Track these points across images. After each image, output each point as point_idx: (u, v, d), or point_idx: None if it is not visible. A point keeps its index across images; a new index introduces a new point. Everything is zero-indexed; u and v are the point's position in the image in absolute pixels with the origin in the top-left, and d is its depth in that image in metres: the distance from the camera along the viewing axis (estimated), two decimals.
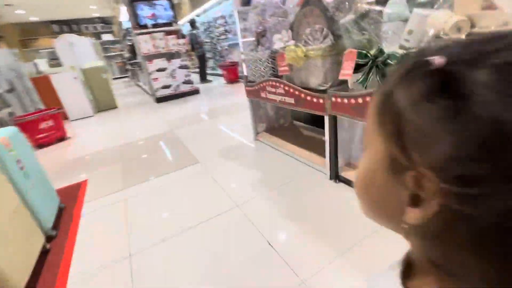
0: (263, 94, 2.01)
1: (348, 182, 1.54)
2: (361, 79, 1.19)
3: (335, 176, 1.60)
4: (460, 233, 0.17)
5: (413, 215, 0.19)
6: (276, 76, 1.88)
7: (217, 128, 3.10)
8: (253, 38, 2.07)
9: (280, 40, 1.67)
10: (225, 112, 3.71)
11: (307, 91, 1.55)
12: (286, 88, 1.71)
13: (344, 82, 1.36)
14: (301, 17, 1.54)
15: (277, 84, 1.78)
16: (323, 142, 1.60)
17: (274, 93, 1.86)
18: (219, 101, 4.52)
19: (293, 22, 1.63)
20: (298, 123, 2.61)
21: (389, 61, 1.05)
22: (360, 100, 1.22)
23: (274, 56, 1.86)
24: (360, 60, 1.17)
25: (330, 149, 1.56)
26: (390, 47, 1.11)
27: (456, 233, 0.17)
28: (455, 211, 0.16)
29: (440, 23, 0.87)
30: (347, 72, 1.24)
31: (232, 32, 6.59)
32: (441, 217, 0.17)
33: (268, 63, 1.89)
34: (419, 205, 0.18)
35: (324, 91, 1.46)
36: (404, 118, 0.18)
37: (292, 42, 1.58)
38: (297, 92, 1.63)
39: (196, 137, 2.81)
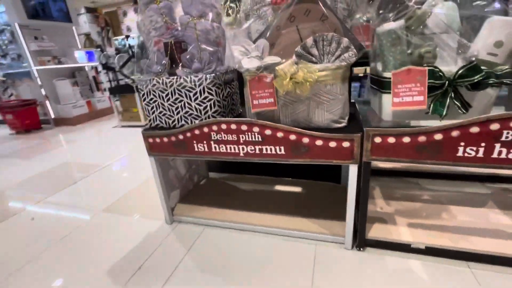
0: (199, 147, 1.16)
1: (378, 245, 1.13)
2: (433, 107, 0.84)
3: (363, 242, 1.14)
4: None
5: None
6: (235, 113, 1.14)
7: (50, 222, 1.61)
8: (154, 54, 1.17)
9: (245, 55, 0.98)
10: (48, 185, 2.08)
11: (321, 133, 0.99)
12: (269, 131, 1.03)
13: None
14: (285, 21, 0.97)
15: (248, 127, 1.05)
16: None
17: (235, 143, 1.10)
18: (19, 168, 2.58)
19: (268, 28, 1.01)
20: (219, 175, 1.87)
21: (489, 81, 0.77)
22: (437, 136, 0.86)
23: (229, 82, 1.12)
24: (432, 81, 0.82)
25: (360, 209, 1.08)
26: (446, 64, 0.85)
27: None
28: None
29: None
30: (416, 99, 0.84)
31: (10, 55, 4.24)
32: None
33: (212, 93, 1.10)
34: None
35: (344, 130, 0.97)
36: None
37: (275, 59, 0.96)
38: (296, 137, 1.01)
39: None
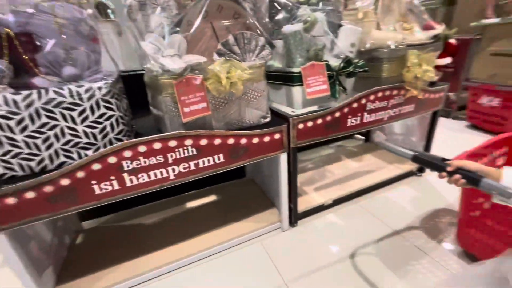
0: (103, 187, 0.81)
1: (307, 214, 1.33)
2: (331, 93, 1.07)
3: (296, 218, 1.28)
4: None
5: None
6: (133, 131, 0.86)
7: None
8: None
9: (158, 54, 0.77)
10: None
11: (257, 131, 0.97)
12: (204, 141, 0.89)
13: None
14: (197, 16, 0.84)
15: (179, 141, 0.84)
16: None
17: (162, 165, 0.86)
18: None
19: (180, 23, 0.83)
20: (97, 221, 1.36)
21: (354, 70, 1.08)
22: (337, 114, 1.11)
23: (122, 91, 0.82)
24: (328, 72, 1.04)
25: (292, 190, 1.19)
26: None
27: None
28: None
29: (392, 38, 1.12)
30: (322, 87, 1.03)
31: None
32: None
33: (112, 108, 0.77)
34: None
35: (271, 124, 1.04)
36: None
37: (199, 57, 0.82)
38: (234, 140, 0.94)
39: None
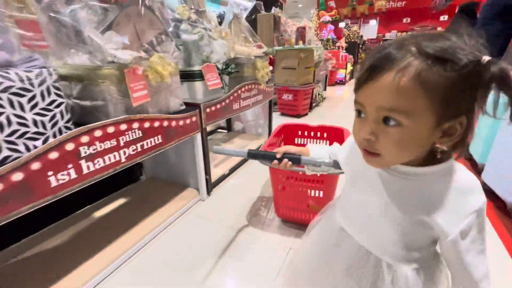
0: (60, 178, 0.78)
1: (215, 184, 1.66)
2: (222, 85, 1.49)
3: (211, 188, 1.58)
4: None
5: (447, 140, 0.39)
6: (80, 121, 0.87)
7: None
8: None
9: (116, 46, 0.85)
10: None
11: (183, 114, 1.21)
12: (147, 123, 1.03)
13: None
14: (123, 18, 0.97)
15: (128, 125, 0.93)
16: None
17: (116, 149, 0.92)
18: None
19: (112, 21, 0.91)
20: None
21: (232, 70, 1.57)
22: (227, 101, 1.54)
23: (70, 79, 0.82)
24: (218, 71, 1.46)
25: (206, 164, 1.48)
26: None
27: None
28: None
29: (246, 51, 1.68)
30: (216, 81, 1.42)
31: None
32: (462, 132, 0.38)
33: (61, 95, 0.76)
34: (450, 135, 0.38)
35: (188, 109, 1.32)
36: (449, 87, 0.34)
37: (133, 52, 0.96)
38: (168, 122, 1.13)
39: None
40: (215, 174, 1.71)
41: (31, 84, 0.70)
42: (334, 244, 0.57)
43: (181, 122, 1.23)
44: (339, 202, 0.61)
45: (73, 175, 0.81)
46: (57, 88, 0.77)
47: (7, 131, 0.68)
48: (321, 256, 0.61)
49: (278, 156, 0.69)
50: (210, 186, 1.59)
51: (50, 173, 0.75)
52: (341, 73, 6.34)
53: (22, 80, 0.68)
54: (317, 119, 3.41)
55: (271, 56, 2.18)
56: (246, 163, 1.99)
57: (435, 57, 0.34)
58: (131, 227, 1.22)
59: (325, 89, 4.69)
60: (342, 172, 0.61)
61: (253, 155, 0.75)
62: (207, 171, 1.52)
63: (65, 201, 0.83)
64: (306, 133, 1.61)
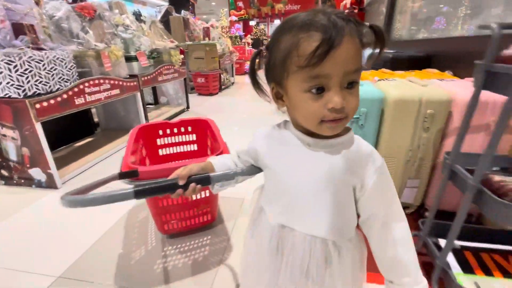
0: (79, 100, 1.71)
1: None
2: (150, 65, 2.49)
3: None
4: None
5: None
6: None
7: None
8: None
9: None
10: None
11: (127, 79, 2.18)
12: (112, 81, 1.99)
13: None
14: (95, 26, 1.89)
15: (103, 80, 1.88)
16: None
17: (99, 92, 1.86)
18: None
19: (90, 27, 1.82)
20: None
21: (154, 56, 2.56)
22: (154, 74, 2.54)
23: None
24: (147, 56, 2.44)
25: (145, 114, 2.46)
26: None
27: None
28: None
29: (164, 44, 2.69)
30: (146, 62, 2.41)
31: None
32: None
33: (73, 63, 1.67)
34: None
35: (130, 78, 2.29)
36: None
37: (104, 44, 1.90)
38: (121, 82, 2.10)
39: None
40: None
41: (65, 57, 1.62)
42: (276, 250, 0.52)
43: (127, 84, 2.20)
44: (267, 201, 0.56)
45: (83, 100, 1.74)
46: (72, 61, 1.69)
47: (58, 76, 1.58)
48: (271, 267, 0.54)
49: (181, 182, 0.52)
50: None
51: (75, 97, 1.67)
52: (248, 65, 7.78)
53: (62, 55, 1.60)
54: (226, 96, 4.64)
55: (182, 48, 3.23)
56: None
57: (356, 21, 0.40)
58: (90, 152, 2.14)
59: (232, 76, 5.97)
60: (259, 172, 0.57)
61: (143, 193, 0.50)
62: (147, 118, 2.51)
63: None
64: (168, 131, 1.43)
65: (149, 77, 2.50)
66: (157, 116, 2.95)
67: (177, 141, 1.46)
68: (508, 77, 0.63)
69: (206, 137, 1.43)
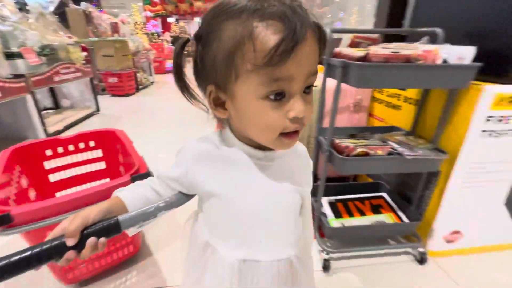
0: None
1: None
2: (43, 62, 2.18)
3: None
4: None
5: None
6: None
7: None
8: None
9: None
10: None
11: (9, 79, 1.87)
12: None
13: None
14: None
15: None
16: None
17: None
18: None
19: None
20: None
21: (47, 52, 2.25)
22: (48, 74, 2.23)
23: None
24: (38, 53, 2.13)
25: (39, 112, 2.16)
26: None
27: None
28: None
29: (60, 39, 2.38)
30: (36, 59, 2.10)
31: None
32: None
33: None
34: None
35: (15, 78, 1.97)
36: None
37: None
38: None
39: None
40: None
41: None
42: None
43: (10, 85, 1.89)
44: (216, 235, 0.44)
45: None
46: None
47: None
48: None
49: (71, 242, 0.35)
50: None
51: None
52: (169, 63, 7.48)
53: None
54: (145, 96, 4.39)
55: (84, 45, 2.91)
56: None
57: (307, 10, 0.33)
58: None
59: (151, 75, 5.66)
60: (189, 199, 0.46)
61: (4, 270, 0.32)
62: (44, 125, 2.21)
63: None
64: (61, 150, 1.12)
65: (41, 77, 2.19)
66: (59, 121, 2.61)
67: (75, 160, 1.17)
68: (334, 67, 0.87)
69: (116, 152, 1.19)
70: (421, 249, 1.05)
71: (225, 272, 0.43)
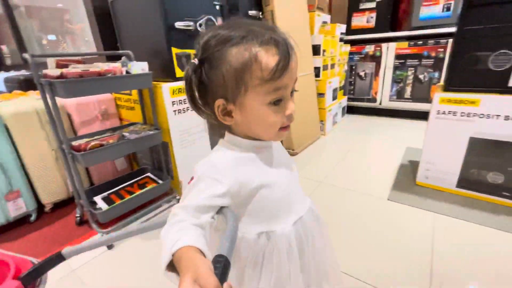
0: None
1: None
2: None
3: None
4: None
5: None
6: None
7: None
8: None
9: None
10: None
11: None
12: None
13: None
14: None
15: None
16: None
17: None
18: None
19: None
20: None
21: None
22: None
23: None
24: None
25: None
26: None
27: None
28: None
29: None
30: None
31: None
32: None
33: None
34: None
35: None
36: None
37: None
38: None
39: None
40: None
41: None
42: (298, 247, 0.53)
43: None
44: (270, 220, 0.51)
45: None
46: None
47: None
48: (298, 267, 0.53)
49: None
50: None
51: None
52: None
53: None
54: None
55: None
56: None
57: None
58: None
59: None
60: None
61: None
62: None
63: None
64: None
65: None
66: None
67: None
68: (43, 86, 1.07)
69: None
70: (178, 196, 1.53)
71: (285, 244, 0.51)
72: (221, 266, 0.30)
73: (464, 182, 1.46)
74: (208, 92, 0.45)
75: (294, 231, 0.53)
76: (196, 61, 0.43)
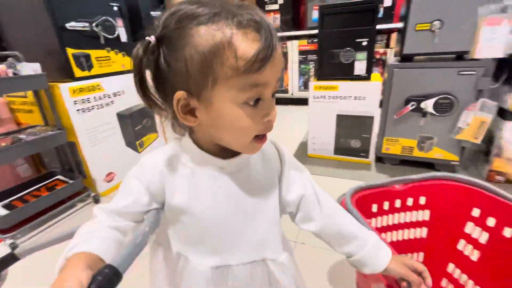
0: None
1: None
2: None
3: None
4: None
5: None
6: None
7: None
8: None
9: None
10: None
11: None
12: None
13: None
14: None
15: None
16: None
17: None
18: None
19: None
20: None
21: None
22: None
23: None
24: None
25: None
26: None
27: None
28: None
29: None
30: None
31: None
32: None
33: None
34: None
35: None
36: None
37: None
38: None
39: None
40: None
41: None
42: None
43: None
44: (186, 246, 0.43)
45: None
46: None
47: None
48: None
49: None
50: None
51: None
52: None
53: None
54: None
55: None
56: None
57: None
58: None
59: None
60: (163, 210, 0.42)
61: None
62: None
63: None
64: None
65: None
66: None
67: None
68: None
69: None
70: (92, 194, 1.56)
71: (199, 280, 0.42)
72: (102, 279, 0.28)
73: (338, 149, 1.89)
74: (167, 81, 0.35)
75: (215, 278, 0.43)
76: (152, 38, 0.32)
